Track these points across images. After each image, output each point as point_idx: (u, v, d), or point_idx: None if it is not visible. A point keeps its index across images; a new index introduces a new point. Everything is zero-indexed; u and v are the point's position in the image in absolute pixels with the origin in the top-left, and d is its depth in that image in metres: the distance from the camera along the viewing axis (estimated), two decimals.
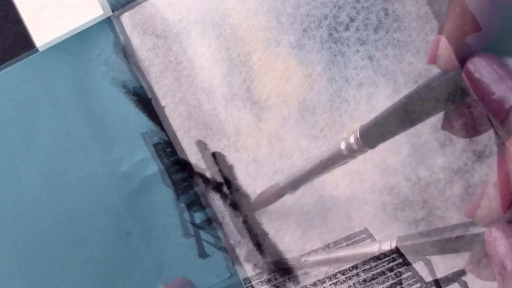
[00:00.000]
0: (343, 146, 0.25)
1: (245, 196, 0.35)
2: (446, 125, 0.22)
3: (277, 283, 0.34)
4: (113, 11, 0.35)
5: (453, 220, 0.33)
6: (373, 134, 0.24)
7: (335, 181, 0.34)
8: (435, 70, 0.21)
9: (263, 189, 0.33)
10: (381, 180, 0.34)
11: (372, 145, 0.24)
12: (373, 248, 0.26)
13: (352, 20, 0.33)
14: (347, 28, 0.33)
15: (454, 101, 0.21)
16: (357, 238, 0.34)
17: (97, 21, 0.35)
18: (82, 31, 0.35)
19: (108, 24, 0.35)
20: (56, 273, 0.35)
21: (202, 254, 0.35)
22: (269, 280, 0.34)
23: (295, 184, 0.30)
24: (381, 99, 0.33)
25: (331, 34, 0.34)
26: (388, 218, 0.34)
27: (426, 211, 0.33)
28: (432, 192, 0.33)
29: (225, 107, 0.34)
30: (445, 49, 0.20)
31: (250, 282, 0.35)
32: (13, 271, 0.35)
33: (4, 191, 0.35)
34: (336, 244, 0.34)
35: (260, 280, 0.35)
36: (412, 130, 0.33)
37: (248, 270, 0.35)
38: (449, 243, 0.33)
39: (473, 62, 0.19)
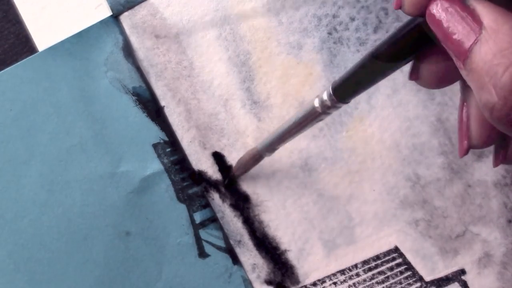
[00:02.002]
0: (316, 103, 0.25)
1: (245, 196, 0.35)
2: (414, 75, 0.22)
3: (277, 282, 0.34)
4: (112, 11, 0.35)
5: (453, 219, 0.33)
6: (346, 88, 0.24)
7: (335, 180, 0.34)
8: (405, 19, 0.21)
9: (242, 158, 0.33)
10: (381, 180, 0.34)
11: (345, 100, 0.24)
12: (314, 103, 0.26)
13: (351, 19, 0.33)
14: (346, 28, 0.33)
15: (421, 50, 0.21)
16: (387, 258, 0.34)
17: (96, 22, 0.35)
18: (81, 31, 0.35)
19: (107, 24, 0.35)
20: (56, 273, 0.35)
21: (202, 254, 0.35)
22: (269, 280, 0.34)
23: (271, 145, 0.30)
24: (381, 99, 0.33)
25: (330, 34, 0.34)
26: (388, 217, 0.34)
27: (426, 210, 0.33)
28: (432, 191, 0.33)
29: (224, 107, 0.34)
30: None
31: (250, 282, 0.35)
32: (13, 271, 0.35)
33: (4, 192, 0.35)
34: (363, 264, 0.34)
35: (260, 280, 0.35)
36: (411, 130, 0.33)
37: (248, 270, 0.35)
38: (448, 243, 0.33)
39: (435, 4, 0.19)
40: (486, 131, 0.21)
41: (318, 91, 0.34)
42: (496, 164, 0.23)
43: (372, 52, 0.23)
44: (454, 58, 0.19)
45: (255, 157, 0.32)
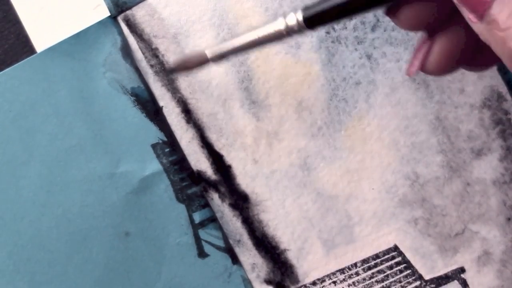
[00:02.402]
0: (281, 26, 0.25)
1: (244, 195, 0.35)
2: (391, 11, 0.22)
3: (277, 282, 0.34)
4: (110, 12, 0.35)
5: (452, 218, 0.33)
6: (318, 19, 0.24)
7: (334, 180, 0.34)
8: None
9: (188, 54, 0.31)
10: (379, 179, 0.34)
11: (313, 28, 0.24)
12: (279, 25, 0.25)
13: (349, 18, 0.33)
14: (344, 27, 0.33)
15: None
16: (386, 257, 0.34)
17: (94, 22, 0.35)
18: (80, 32, 0.35)
19: (105, 25, 0.35)
20: (56, 274, 0.35)
21: (202, 254, 0.35)
22: (268, 280, 0.34)
23: (222, 55, 0.28)
24: (379, 98, 0.33)
25: (328, 33, 0.34)
26: (387, 216, 0.34)
27: (425, 209, 0.33)
28: (431, 190, 0.33)
29: (223, 106, 0.34)
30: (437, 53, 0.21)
31: (249, 281, 0.35)
32: (13, 272, 0.35)
33: (4, 192, 0.35)
34: (363, 263, 0.34)
35: (259, 279, 0.35)
36: (410, 129, 0.33)
37: (247, 269, 0.35)
38: (448, 241, 0.33)
39: None
40: (447, 64, 0.22)
41: (316, 90, 0.34)
42: (411, 72, 0.23)
43: None
44: (465, 11, 0.19)
45: (202, 61, 0.29)
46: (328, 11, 0.24)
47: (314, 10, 0.24)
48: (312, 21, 0.24)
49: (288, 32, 0.25)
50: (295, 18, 0.25)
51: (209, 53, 0.29)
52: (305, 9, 0.24)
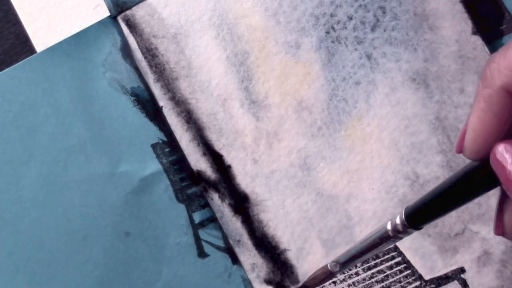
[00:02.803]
0: (389, 226, 0.25)
1: (244, 195, 0.35)
2: (498, 229, 0.22)
3: (277, 282, 0.34)
4: (110, 12, 0.35)
5: (452, 218, 0.33)
6: (419, 215, 0.24)
7: (334, 180, 0.34)
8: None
9: (314, 272, 0.32)
10: (379, 179, 0.34)
11: (417, 226, 0.25)
12: (387, 226, 0.26)
13: (349, 18, 0.33)
14: (344, 27, 0.33)
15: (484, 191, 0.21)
16: (386, 257, 0.34)
17: (94, 22, 0.35)
18: (80, 32, 0.35)
19: (105, 25, 0.35)
20: (56, 274, 0.35)
21: (201, 254, 0.35)
22: (268, 280, 0.34)
23: (343, 265, 0.30)
24: (379, 97, 0.33)
25: (328, 33, 0.34)
26: (387, 216, 0.34)
27: None
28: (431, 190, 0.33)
29: (223, 106, 0.34)
30: (469, 138, 0.20)
31: (249, 281, 0.35)
32: (13, 272, 0.35)
33: (4, 192, 0.35)
34: (363, 263, 0.34)
35: (259, 279, 0.35)
36: (410, 129, 0.33)
37: (247, 269, 0.35)
38: (448, 241, 0.33)
39: (498, 149, 0.19)
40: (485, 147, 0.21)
41: (316, 90, 0.34)
42: (497, 232, 0.23)
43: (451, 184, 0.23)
44: None
45: (326, 274, 0.31)
46: (430, 211, 0.24)
47: (413, 209, 0.25)
48: (415, 223, 0.25)
49: (397, 234, 0.26)
50: (399, 221, 0.25)
51: (331, 267, 0.30)
52: (407, 211, 0.25)
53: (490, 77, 0.19)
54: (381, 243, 0.27)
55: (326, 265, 0.30)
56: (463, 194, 0.22)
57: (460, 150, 0.22)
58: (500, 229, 0.22)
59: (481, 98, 0.20)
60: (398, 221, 0.25)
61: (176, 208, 0.35)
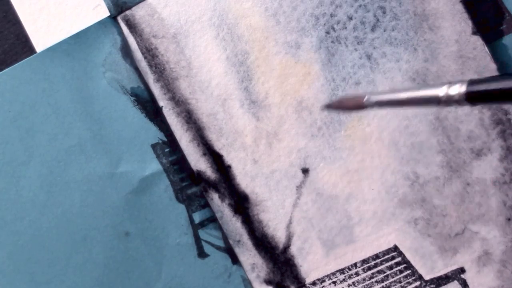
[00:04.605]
0: (442, 93, 0.24)
1: (244, 195, 0.35)
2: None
3: (277, 282, 0.34)
4: (110, 12, 0.35)
5: (452, 218, 0.33)
6: (481, 97, 0.23)
7: (334, 180, 0.34)
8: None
9: (346, 96, 0.31)
10: (379, 179, 0.34)
11: (474, 104, 0.24)
12: (440, 91, 0.25)
13: (349, 18, 0.33)
14: (344, 27, 0.33)
15: None
16: (386, 257, 0.34)
17: (94, 22, 0.35)
18: (79, 32, 0.35)
19: (105, 25, 0.35)
20: (56, 274, 0.35)
21: (201, 254, 0.35)
22: (268, 280, 0.34)
23: (379, 104, 0.28)
24: None
25: (328, 33, 0.34)
26: (387, 216, 0.34)
27: (425, 209, 0.33)
28: (431, 190, 0.33)
29: (223, 106, 0.34)
30: None
31: (249, 281, 0.35)
32: (13, 272, 0.35)
33: (4, 193, 0.35)
34: (363, 263, 0.34)
35: (259, 279, 0.35)
36: (410, 129, 0.33)
37: (247, 269, 0.35)
38: (448, 241, 0.33)
39: None
40: None
41: (317, 90, 0.34)
42: None
43: None
44: None
45: (359, 104, 0.29)
46: (495, 92, 0.23)
47: (480, 87, 0.24)
48: (474, 97, 0.24)
49: (447, 101, 0.25)
50: (458, 89, 0.24)
51: (367, 99, 0.29)
52: (471, 83, 0.24)
53: None
54: (426, 103, 0.26)
55: (363, 96, 0.29)
56: None
57: None
58: None
59: None
60: (455, 90, 0.24)
61: (176, 208, 0.35)
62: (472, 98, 0.24)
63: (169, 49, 0.35)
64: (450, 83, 0.25)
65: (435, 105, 0.25)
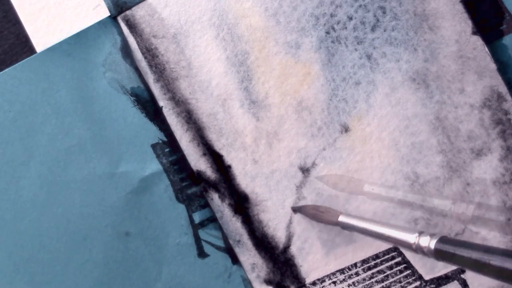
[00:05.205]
0: (413, 240, 0.26)
1: (244, 195, 0.35)
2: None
3: (277, 282, 0.34)
4: (110, 12, 0.35)
5: (452, 218, 0.33)
6: (449, 257, 0.24)
7: (334, 180, 0.34)
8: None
9: (326, 207, 0.33)
10: (379, 179, 0.34)
11: (441, 260, 0.25)
12: (410, 239, 0.26)
13: (349, 18, 0.33)
14: (344, 27, 0.33)
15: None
16: (386, 257, 0.34)
17: (94, 22, 0.35)
18: (80, 32, 0.35)
19: (105, 25, 0.35)
20: (56, 274, 0.35)
21: (201, 254, 0.35)
22: (268, 280, 0.34)
23: (352, 228, 0.31)
24: (379, 98, 0.33)
25: (328, 33, 0.34)
26: (387, 216, 0.34)
27: (425, 209, 0.33)
28: (431, 190, 0.33)
29: (223, 106, 0.34)
30: None
31: (249, 281, 0.35)
32: (13, 272, 0.35)
33: (4, 193, 0.35)
34: (363, 263, 0.34)
35: (259, 279, 0.35)
36: (410, 129, 0.33)
37: (247, 269, 0.35)
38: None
39: None
40: None
41: (316, 90, 0.34)
42: None
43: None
44: None
45: (332, 221, 0.32)
46: (461, 258, 0.24)
47: (447, 248, 0.25)
48: (442, 256, 0.25)
49: (416, 249, 0.26)
50: (427, 243, 0.25)
51: (341, 219, 0.31)
52: (441, 240, 0.25)
53: None
54: (397, 244, 0.27)
55: (338, 214, 0.31)
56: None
57: None
58: None
59: None
60: (426, 243, 0.25)
61: (176, 208, 0.35)
62: (440, 254, 0.25)
63: (169, 49, 0.35)
64: (421, 233, 0.26)
65: (406, 248, 0.27)
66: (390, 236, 0.28)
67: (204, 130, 0.35)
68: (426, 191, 0.33)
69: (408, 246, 0.27)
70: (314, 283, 0.34)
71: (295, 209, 0.34)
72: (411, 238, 0.27)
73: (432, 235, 0.26)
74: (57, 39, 0.35)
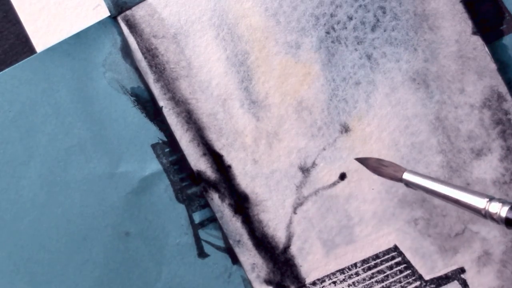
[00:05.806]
0: (482, 206, 0.25)
1: (244, 195, 0.35)
2: None
3: (277, 282, 0.34)
4: (110, 12, 0.35)
5: (452, 218, 0.33)
6: None
7: (334, 179, 0.34)
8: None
9: (389, 161, 0.32)
10: (379, 179, 0.34)
11: (511, 228, 0.25)
12: (479, 204, 0.25)
13: (349, 18, 0.33)
14: (344, 27, 0.33)
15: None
16: (386, 257, 0.34)
17: (94, 22, 0.35)
18: (80, 32, 0.35)
19: (105, 25, 0.35)
20: (56, 274, 0.35)
21: (201, 254, 0.35)
22: (268, 280, 0.34)
23: (415, 185, 0.29)
24: (379, 98, 0.33)
25: (328, 33, 0.34)
26: (387, 216, 0.34)
27: (425, 209, 0.33)
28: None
29: (223, 106, 0.34)
30: None
31: (249, 281, 0.35)
32: (13, 272, 0.35)
33: (4, 193, 0.35)
34: (363, 263, 0.34)
35: (259, 279, 0.35)
36: (410, 129, 0.33)
37: (247, 269, 0.35)
38: (448, 241, 0.33)
39: None
40: None
41: (316, 90, 0.34)
42: None
43: None
44: None
45: (396, 176, 0.31)
46: None
47: None
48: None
49: (485, 215, 0.25)
50: (499, 210, 0.25)
51: (406, 176, 0.30)
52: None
53: None
54: (463, 207, 0.26)
55: (402, 170, 0.30)
56: None
57: None
58: None
59: None
60: (495, 210, 0.25)
61: (176, 208, 0.35)
62: (510, 224, 0.24)
63: (169, 49, 0.35)
64: (491, 199, 0.25)
65: (472, 212, 0.26)
66: (459, 199, 0.27)
67: (204, 130, 0.35)
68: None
69: (477, 211, 0.26)
70: (314, 283, 0.34)
71: (359, 160, 0.33)
72: (480, 203, 0.26)
73: (503, 202, 0.25)
74: (57, 39, 0.35)
